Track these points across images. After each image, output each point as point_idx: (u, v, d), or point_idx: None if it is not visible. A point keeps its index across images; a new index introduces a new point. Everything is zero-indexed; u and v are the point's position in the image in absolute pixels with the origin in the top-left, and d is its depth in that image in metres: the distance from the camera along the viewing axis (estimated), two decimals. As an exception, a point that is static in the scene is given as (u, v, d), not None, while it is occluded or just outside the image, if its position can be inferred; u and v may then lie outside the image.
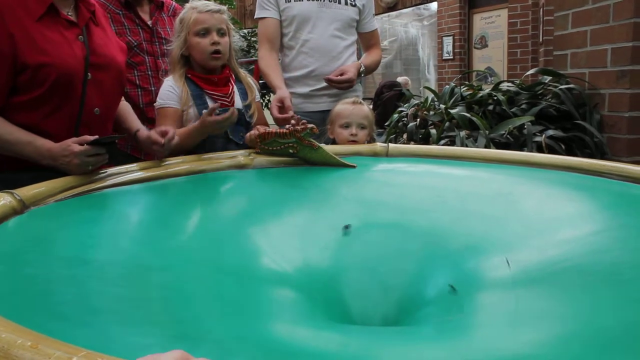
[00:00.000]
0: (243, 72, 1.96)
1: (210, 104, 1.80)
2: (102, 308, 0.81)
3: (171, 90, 1.79)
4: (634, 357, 0.71)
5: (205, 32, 1.78)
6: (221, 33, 1.81)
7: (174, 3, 2.34)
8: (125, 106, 1.77)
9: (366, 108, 1.96)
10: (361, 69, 2.27)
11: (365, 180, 1.51)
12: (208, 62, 1.81)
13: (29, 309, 0.74)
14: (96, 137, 1.37)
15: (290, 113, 1.93)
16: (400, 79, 7.07)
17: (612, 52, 2.59)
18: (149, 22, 2.19)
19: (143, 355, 0.45)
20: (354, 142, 1.87)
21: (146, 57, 2.16)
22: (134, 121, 1.71)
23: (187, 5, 1.84)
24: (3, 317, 0.61)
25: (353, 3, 2.31)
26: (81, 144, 1.35)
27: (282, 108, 2.01)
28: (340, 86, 2.19)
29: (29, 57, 1.40)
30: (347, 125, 1.90)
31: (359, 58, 2.43)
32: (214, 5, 1.82)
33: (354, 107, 1.93)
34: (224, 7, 1.87)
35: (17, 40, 1.39)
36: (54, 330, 0.60)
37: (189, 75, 1.82)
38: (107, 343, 0.67)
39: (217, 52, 1.79)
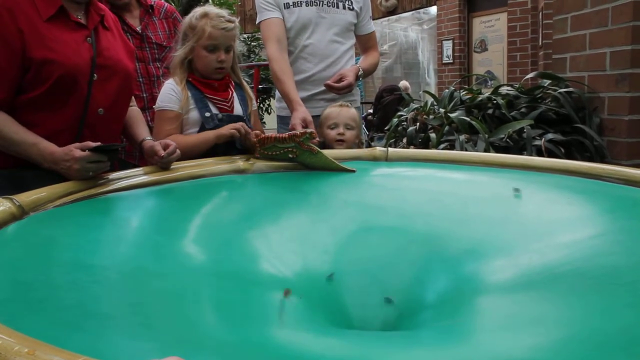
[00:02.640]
0: (244, 82, 1.97)
1: (212, 107, 1.81)
2: (101, 313, 0.81)
3: (172, 93, 1.78)
4: (634, 361, 0.70)
5: (214, 49, 1.78)
6: (228, 50, 1.82)
7: (165, 5, 2.32)
8: (135, 112, 1.78)
9: (353, 110, 2.00)
10: (359, 73, 2.27)
11: (364, 185, 1.51)
12: (210, 75, 1.83)
13: (27, 315, 0.74)
14: (98, 143, 1.37)
15: (317, 139, 1.77)
16: (400, 84, 7.08)
17: (611, 55, 2.59)
18: (139, 28, 2.19)
19: (141, 361, 0.45)
20: (341, 141, 1.91)
21: (136, 64, 2.16)
22: (141, 129, 1.71)
23: (200, 10, 1.80)
24: (0, 324, 0.61)
25: (351, 7, 2.31)
26: (83, 150, 1.36)
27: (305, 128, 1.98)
28: (341, 92, 2.19)
29: (35, 52, 1.42)
30: (334, 126, 1.95)
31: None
32: (227, 22, 1.80)
33: (341, 109, 1.99)
34: (236, 22, 1.84)
35: (25, 36, 1.41)
36: (53, 336, 0.60)
37: (190, 79, 1.82)
38: (105, 349, 0.66)
39: (221, 68, 1.81)
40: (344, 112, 1.96)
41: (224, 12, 1.82)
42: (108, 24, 1.65)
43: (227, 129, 1.71)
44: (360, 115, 2.56)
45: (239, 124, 1.72)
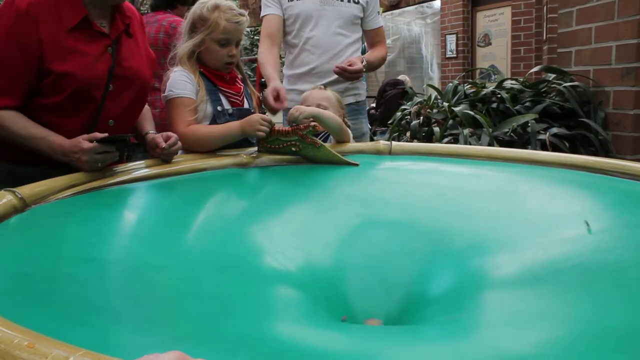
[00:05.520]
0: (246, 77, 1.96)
1: (224, 100, 1.79)
2: (102, 307, 0.80)
3: (187, 81, 1.72)
4: (640, 358, 0.70)
5: (226, 43, 1.75)
6: (237, 44, 1.79)
7: None
8: (143, 109, 1.76)
9: (327, 92, 1.96)
10: (363, 63, 2.26)
11: (368, 179, 1.51)
12: (219, 69, 1.79)
13: (29, 308, 0.74)
14: (106, 134, 1.38)
15: (285, 104, 1.90)
16: (399, 77, 7.05)
17: (616, 49, 2.57)
18: None
19: (142, 355, 0.44)
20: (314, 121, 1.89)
21: None
22: (147, 123, 1.71)
23: (212, 2, 1.75)
24: (0, 316, 0.60)
25: (356, 0, 2.30)
26: (91, 141, 1.36)
27: (277, 98, 1.96)
28: (352, 76, 2.19)
29: (53, 65, 1.42)
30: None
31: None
32: (239, 15, 1.76)
33: (313, 91, 1.97)
34: (246, 15, 1.80)
35: (44, 47, 1.41)
36: (54, 329, 0.60)
37: (202, 70, 1.77)
38: (106, 342, 0.66)
39: (230, 63, 1.79)
40: (315, 94, 1.93)
41: (233, 5, 1.78)
42: (133, 30, 1.63)
43: (255, 128, 1.60)
44: (365, 107, 2.55)
45: (265, 120, 1.62)
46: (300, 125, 1.56)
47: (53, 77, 1.43)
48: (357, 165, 1.55)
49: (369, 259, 1.20)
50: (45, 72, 1.43)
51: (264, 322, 0.91)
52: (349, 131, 1.83)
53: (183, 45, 1.78)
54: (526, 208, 1.25)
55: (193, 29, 1.77)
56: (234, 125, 1.66)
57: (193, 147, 1.65)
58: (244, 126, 1.63)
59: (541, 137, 2.53)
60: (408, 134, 3.18)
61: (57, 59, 1.43)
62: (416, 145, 1.76)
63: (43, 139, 1.43)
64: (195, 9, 1.78)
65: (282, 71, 2.44)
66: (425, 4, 9.25)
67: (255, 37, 8.89)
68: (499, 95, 2.89)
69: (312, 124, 1.56)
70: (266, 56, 2.24)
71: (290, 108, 2.28)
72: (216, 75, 1.79)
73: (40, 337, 0.55)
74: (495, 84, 3.13)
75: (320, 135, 1.82)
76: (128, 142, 1.47)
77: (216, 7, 1.74)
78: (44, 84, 1.44)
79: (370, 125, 6.57)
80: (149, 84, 1.70)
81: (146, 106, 1.80)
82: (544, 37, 5.40)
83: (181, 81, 1.72)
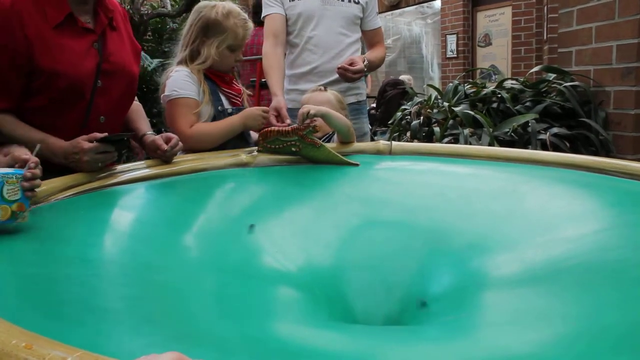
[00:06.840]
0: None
1: (224, 100, 1.79)
2: (101, 307, 0.80)
3: (190, 81, 1.73)
4: (641, 357, 0.69)
5: (236, 49, 1.78)
6: (241, 48, 1.83)
7: None
8: (136, 107, 1.76)
9: (328, 94, 1.94)
10: (365, 63, 2.25)
11: (368, 179, 1.50)
12: (224, 71, 1.82)
13: (28, 309, 0.74)
14: (105, 134, 1.38)
15: (287, 122, 1.88)
16: (402, 77, 7.05)
17: (617, 48, 2.57)
18: None
19: (140, 356, 0.44)
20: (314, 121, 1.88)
21: None
22: (142, 124, 1.70)
23: (223, 7, 1.76)
24: (-1, 317, 0.60)
25: (356, 0, 2.31)
26: (90, 141, 1.36)
27: (278, 117, 1.96)
28: (354, 76, 2.18)
29: (43, 62, 1.41)
30: None
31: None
32: (248, 20, 1.79)
33: (313, 93, 1.94)
34: (249, 19, 1.84)
35: (33, 45, 1.40)
36: (53, 330, 0.60)
37: (204, 71, 1.78)
38: (104, 343, 0.66)
39: (233, 67, 1.83)
40: (316, 97, 1.91)
41: (239, 9, 1.80)
42: (117, 23, 1.62)
43: (258, 122, 1.67)
44: (365, 107, 2.54)
45: (269, 114, 1.68)
46: (300, 125, 1.56)
47: (44, 78, 1.42)
48: (357, 165, 1.55)
49: (370, 259, 1.20)
50: (36, 71, 1.42)
51: (264, 322, 0.90)
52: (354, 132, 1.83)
53: (204, 48, 1.77)
54: (526, 208, 1.24)
55: (203, 31, 1.77)
56: (234, 120, 1.71)
57: (196, 147, 1.66)
58: (245, 120, 1.66)
59: (542, 137, 2.53)
60: (408, 134, 3.18)
61: (46, 57, 1.42)
62: (416, 145, 1.76)
63: (41, 141, 1.40)
64: (204, 13, 1.78)
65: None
66: (425, 4, 9.24)
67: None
68: (499, 95, 2.88)
69: (313, 124, 1.55)
70: (271, 62, 2.20)
71: (290, 107, 2.29)
72: (217, 76, 1.81)
73: (38, 337, 0.55)
74: (496, 83, 3.13)
75: (324, 136, 1.82)
76: (127, 142, 1.47)
77: (229, 13, 1.75)
78: (34, 85, 1.43)
79: (371, 125, 6.56)
80: (137, 78, 1.69)
81: (138, 103, 1.78)
82: (545, 37, 5.40)
83: (185, 82, 1.73)
